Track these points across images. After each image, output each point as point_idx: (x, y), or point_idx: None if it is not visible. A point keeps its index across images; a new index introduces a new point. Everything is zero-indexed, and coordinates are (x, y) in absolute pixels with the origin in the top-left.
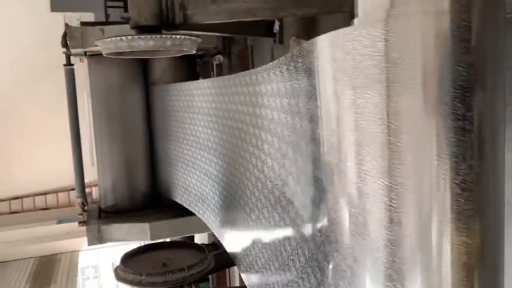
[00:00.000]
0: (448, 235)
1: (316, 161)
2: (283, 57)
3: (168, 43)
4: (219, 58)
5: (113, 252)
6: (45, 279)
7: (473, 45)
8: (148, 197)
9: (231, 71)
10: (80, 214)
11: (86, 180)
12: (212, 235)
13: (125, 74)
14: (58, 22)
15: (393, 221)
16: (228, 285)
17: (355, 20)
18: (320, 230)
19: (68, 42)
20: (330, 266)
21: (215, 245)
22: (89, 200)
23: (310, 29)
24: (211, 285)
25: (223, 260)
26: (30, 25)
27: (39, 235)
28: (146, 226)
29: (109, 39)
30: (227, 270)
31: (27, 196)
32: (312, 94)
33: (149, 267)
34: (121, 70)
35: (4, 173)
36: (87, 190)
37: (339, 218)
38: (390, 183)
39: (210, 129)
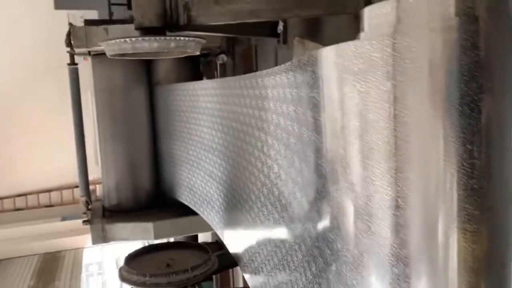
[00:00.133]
0: (454, 237)
1: (323, 175)
2: (290, 63)
3: (172, 44)
4: (223, 57)
5: (117, 249)
6: (49, 276)
7: (482, 58)
8: (151, 196)
9: (234, 70)
10: (84, 213)
11: (90, 178)
12: (215, 234)
13: (129, 73)
14: (59, 21)
15: (399, 224)
16: (231, 285)
17: (361, 35)
18: (326, 241)
19: (72, 42)
20: (335, 272)
21: (219, 244)
22: (93, 197)
23: (314, 30)
24: (214, 284)
25: (226, 261)
26: (31, 24)
27: (43, 232)
28: (149, 225)
29: (113, 41)
30: (230, 269)
31: (32, 193)
32: (318, 105)
33: (153, 267)
34: (125, 70)
35: (9, 170)
36: (91, 187)
37: (346, 229)
38: (396, 193)
39: (214, 130)
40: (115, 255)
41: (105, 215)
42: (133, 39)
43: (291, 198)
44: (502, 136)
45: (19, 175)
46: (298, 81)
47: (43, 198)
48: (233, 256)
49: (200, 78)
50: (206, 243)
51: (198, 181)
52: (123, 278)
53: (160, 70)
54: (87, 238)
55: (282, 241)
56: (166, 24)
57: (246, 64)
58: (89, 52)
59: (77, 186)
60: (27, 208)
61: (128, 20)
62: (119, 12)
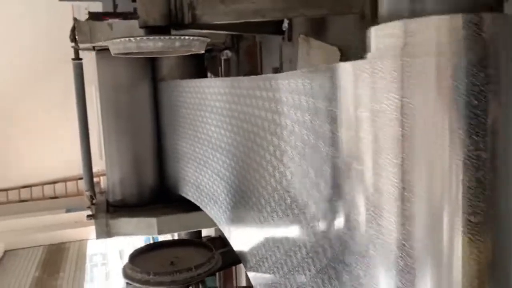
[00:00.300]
0: (459, 228)
1: (340, 193)
2: (306, 70)
3: (177, 44)
4: (227, 53)
5: (120, 241)
6: (54, 267)
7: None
8: (155, 192)
9: (239, 66)
10: (89, 207)
11: (94, 170)
12: (219, 229)
13: (134, 69)
14: (64, 13)
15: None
16: (234, 280)
17: (368, 55)
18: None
19: (76, 37)
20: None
21: (222, 240)
22: (97, 189)
23: (319, 28)
24: (217, 279)
25: (230, 258)
26: (35, 17)
27: (48, 224)
28: (153, 220)
29: (117, 40)
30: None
31: (36, 185)
32: (336, 120)
33: (157, 265)
34: (129, 66)
35: (14, 162)
36: (95, 179)
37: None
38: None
39: (223, 129)
40: (118, 246)
41: (109, 210)
42: (138, 38)
43: (305, 209)
44: (508, 128)
45: (24, 166)
46: (314, 91)
47: (48, 190)
48: (239, 256)
49: (205, 74)
50: (210, 238)
51: (205, 179)
52: (127, 276)
53: (164, 66)
54: (91, 230)
55: (293, 252)
56: (171, 23)
57: (251, 60)
58: (93, 47)
59: (81, 178)
60: (32, 199)
61: (132, 13)
62: (124, 5)
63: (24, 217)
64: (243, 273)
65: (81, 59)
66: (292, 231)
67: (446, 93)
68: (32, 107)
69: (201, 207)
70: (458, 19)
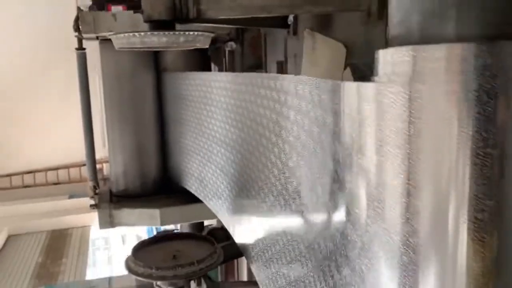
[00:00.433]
0: (465, 226)
1: (342, 187)
2: (315, 79)
3: (181, 39)
4: (232, 44)
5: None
6: (57, 253)
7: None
8: (158, 182)
9: (243, 58)
10: (92, 197)
11: (97, 157)
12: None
13: (137, 59)
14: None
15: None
16: (236, 272)
17: (375, 78)
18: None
19: (80, 27)
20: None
21: (225, 230)
22: (99, 176)
23: (325, 23)
24: (219, 272)
25: (232, 251)
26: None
27: (51, 210)
28: (156, 212)
29: (122, 35)
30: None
31: (40, 170)
32: (339, 136)
33: (160, 259)
34: (132, 55)
35: (18, 148)
36: (98, 166)
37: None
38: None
39: (228, 125)
40: (121, 231)
41: (112, 200)
42: (142, 33)
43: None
44: None
45: (28, 152)
46: (323, 104)
47: (51, 176)
48: (241, 249)
49: (209, 65)
50: (212, 228)
51: (209, 174)
52: (130, 270)
53: (168, 56)
54: (94, 216)
55: (292, 238)
56: (176, 17)
57: (255, 52)
58: (97, 37)
59: (84, 165)
60: (35, 185)
61: (135, 2)
62: None
63: (27, 203)
64: (245, 266)
65: (84, 48)
66: (293, 224)
67: (455, 90)
68: (36, 92)
69: (205, 202)
70: (469, 48)
